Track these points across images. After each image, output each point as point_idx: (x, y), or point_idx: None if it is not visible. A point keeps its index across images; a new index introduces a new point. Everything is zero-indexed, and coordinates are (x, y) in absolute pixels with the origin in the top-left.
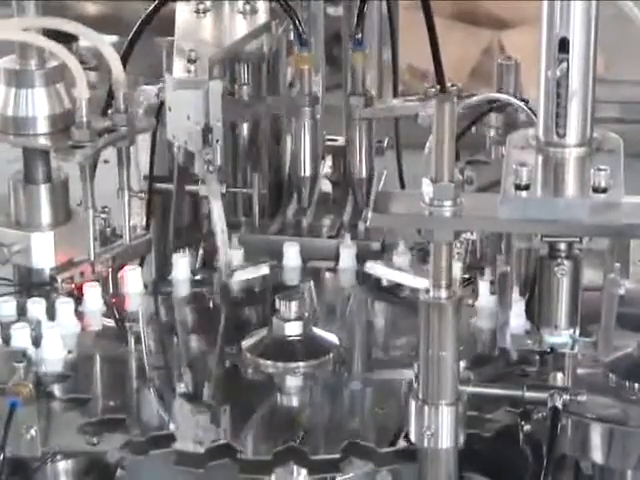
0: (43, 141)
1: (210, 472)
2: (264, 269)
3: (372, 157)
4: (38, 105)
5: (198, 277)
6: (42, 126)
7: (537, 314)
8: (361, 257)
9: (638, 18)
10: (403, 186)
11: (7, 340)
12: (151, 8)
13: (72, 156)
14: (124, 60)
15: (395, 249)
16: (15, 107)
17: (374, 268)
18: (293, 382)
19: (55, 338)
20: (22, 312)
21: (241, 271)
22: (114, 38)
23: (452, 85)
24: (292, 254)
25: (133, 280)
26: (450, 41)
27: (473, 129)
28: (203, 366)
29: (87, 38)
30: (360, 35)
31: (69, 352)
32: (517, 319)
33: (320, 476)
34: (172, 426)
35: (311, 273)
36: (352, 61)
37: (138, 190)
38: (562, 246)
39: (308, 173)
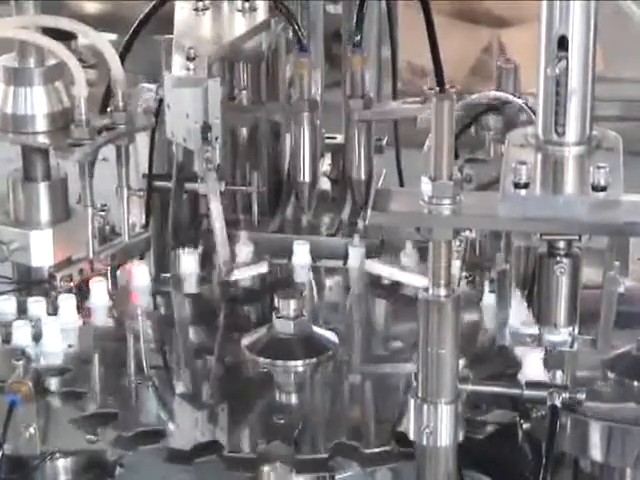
0: (42, 139)
1: (207, 470)
2: (263, 267)
3: (371, 158)
4: (37, 103)
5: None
6: (41, 124)
7: (536, 312)
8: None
9: (637, 15)
10: (402, 184)
11: (7, 338)
12: (149, 8)
13: (71, 154)
14: (122, 58)
15: (402, 249)
16: (14, 105)
17: (372, 266)
18: (292, 380)
19: (55, 332)
20: (22, 310)
21: (240, 269)
22: (113, 36)
23: (451, 86)
24: (302, 253)
25: (140, 275)
26: (450, 39)
27: (472, 127)
28: (202, 364)
29: (85, 36)
30: (359, 37)
31: (69, 346)
32: (516, 317)
33: (313, 475)
34: (165, 422)
35: (319, 272)
36: (351, 63)
37: (137, 188)
38: (561, 244)
39: (307, 179)
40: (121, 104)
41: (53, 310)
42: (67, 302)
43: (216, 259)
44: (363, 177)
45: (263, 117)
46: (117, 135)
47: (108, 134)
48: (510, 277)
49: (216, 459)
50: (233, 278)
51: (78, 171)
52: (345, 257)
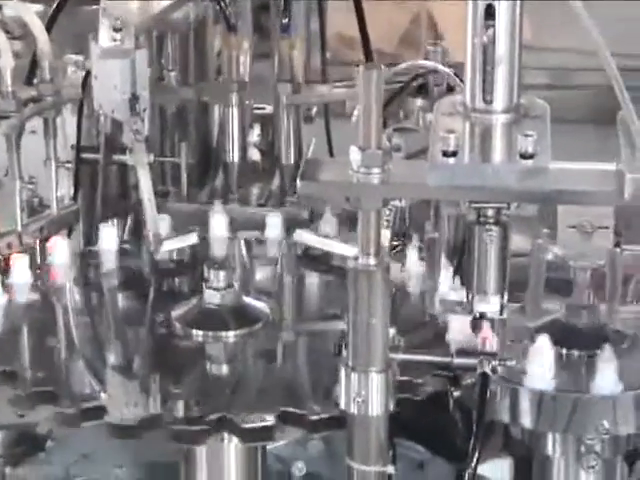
0: None
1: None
2: (193, 238)
3: (301, 141)
4: None
5: (126, 247)
6: None
7: (466, 280)
8: (290, 226)
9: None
10: (332, 154)
11: None
12: None
13: None
14: (49, 29)
15: (321, 216)
16: None
17: (302, 236)
18: (223, 351)
19: None
20: None
21: (170, 241)
22: (39, 7)
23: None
24: (219, 223)
25: (60, 250)
26: (379, 10)
27: (400, 97)
28: (133, 336)
29: (12, 7)
30: (287, 21)
31: None
32: (446, 285)
33: (251, 444)
34: (103, 397)
35: (238, 242)
36: (279, 48)
37: (65, 160)
38: (490, 212)
39: (236, 159)
40: (48, 76)
41: None
42: None
43: (145, 231)
44: (292, 161)
45: (192, 98)
46: (44, 107)
47: (35, 106)
48: (439, 245)
49: (161, 432)
50: (163, 250)
51: (5, 144)
52: (263, 227)
